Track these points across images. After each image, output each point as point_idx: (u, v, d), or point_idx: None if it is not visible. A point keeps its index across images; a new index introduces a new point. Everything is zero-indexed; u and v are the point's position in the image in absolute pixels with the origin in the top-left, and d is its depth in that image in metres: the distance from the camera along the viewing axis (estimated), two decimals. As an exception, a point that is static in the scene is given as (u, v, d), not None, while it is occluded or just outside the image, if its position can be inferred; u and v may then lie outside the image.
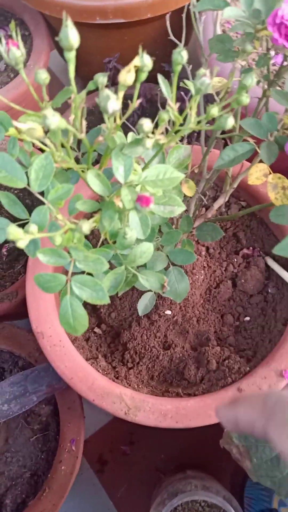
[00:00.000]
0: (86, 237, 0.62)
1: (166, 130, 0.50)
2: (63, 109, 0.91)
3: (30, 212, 0.31)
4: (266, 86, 0.50)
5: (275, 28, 0.37)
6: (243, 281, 0.62)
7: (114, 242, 0.36)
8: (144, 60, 0.25)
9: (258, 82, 0.54)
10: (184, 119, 0.31)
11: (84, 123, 0.26)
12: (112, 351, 0.61)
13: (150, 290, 0.54)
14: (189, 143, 0.60)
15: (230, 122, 0.26)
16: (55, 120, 0.22)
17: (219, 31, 0.85)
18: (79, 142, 0.42)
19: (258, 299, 0.62)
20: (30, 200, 0.76)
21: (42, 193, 0.30)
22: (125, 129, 0.85)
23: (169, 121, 0.53)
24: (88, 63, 0.92)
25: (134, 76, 0.25)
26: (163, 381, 0.58)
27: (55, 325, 0.55)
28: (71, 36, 0.23)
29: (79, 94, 0.26)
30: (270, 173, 0.44)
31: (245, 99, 0.29)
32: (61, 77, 1.17)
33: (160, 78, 0.28)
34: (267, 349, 0.57)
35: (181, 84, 0.59)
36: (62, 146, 0.31)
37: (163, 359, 0.59)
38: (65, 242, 0.27)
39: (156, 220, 0.40)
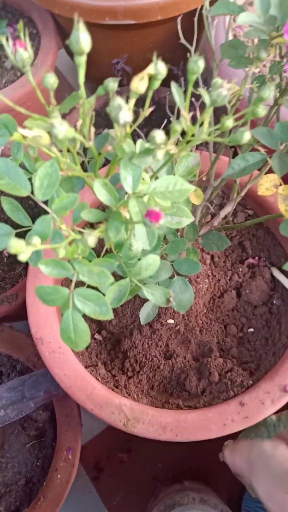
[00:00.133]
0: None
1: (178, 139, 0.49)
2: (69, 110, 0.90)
3: (33, 218, 0.30)
4: (277, 94, 0.49)
5: (291, 36, 0.36)
6: (247, 291, 0.61)
7: (119, 252, 0.35)
8: (158, 68, 0.24)
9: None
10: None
11: (93, 130, 0.25)
12: (112, 358, 0.60)
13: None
14: (196, 148, 0.59)
15: (246, 136, 0.25)
16: (62, 129, 0.21)
17: (230, 36, 0.83)
18: (85, 147, 0.41)
19: (262, 310, 0.61)
20: (34, 203, 0.75)
21: (46, 201, 0.28)
22: (132, 133, 0.84)
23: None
24: (96, 63, 0.91)
25: (146, 84, 0.24)
26: (164, 391, 0.57)
27: (55, 331, 0.54)
28: (83, 40, 0.22)
29: (88, 100, 0.25)
30: (280, 184, 0.43)
31: (262, 110, 0.28)
32: (69, 77, 1.16)
33: (174, 86, 0.26)
34: (271, 363, 0.56)
35: (192, 90, 0.58)
36: (68, 151, 0.30)
37: (164, 369, 0.58)
38: (69, 254, 0.25)
39: (162, 230, 0.39)
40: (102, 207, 0.63)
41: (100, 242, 0.62)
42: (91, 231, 0.26)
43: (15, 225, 0.31)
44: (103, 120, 0.93)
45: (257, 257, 0.63)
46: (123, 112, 0.21)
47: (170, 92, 0.92)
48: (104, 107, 0.95)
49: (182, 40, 0.59)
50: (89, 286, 0.30)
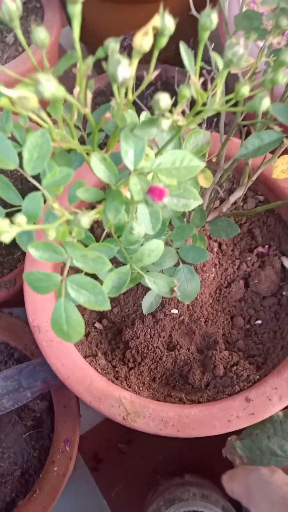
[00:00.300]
0: (90, 226, 0.57)
1: (183, 112, 0.45)
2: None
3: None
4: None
5: (316, -1, 0.32)
6: (256, 281, 0.58)
7: (120, 236, 0.32)
8: (166, 21, 0.20)
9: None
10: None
11: (90, 95, 0.22)
12: (112, 348, 0.57)
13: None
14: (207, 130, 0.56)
15: (265, 103, 0.22)
16: (49, 86, 0.18)
17: (244, 8, 0.79)
18: (85, 120, 0.38)
19: (271, 301, 0.58)
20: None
21: (38, 178, 0.25)
22: (138, 112, 0.80)
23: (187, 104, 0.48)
24: (101, 41, 0.87)
25: (151, 41, 0.21)
26: (166, 384, 0.55)
27: (53, 320, 0.52)
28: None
29: (85, 61, 0.22)
30: (297, 167, 0.40)
31: (282, 77, 0.24)
32: (74, 55, 1.11)
33: (183, 46, 0.23)
34: (279, 357, 0.53)
35: (202, 65, 0.54)
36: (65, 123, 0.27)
37: (166, 361, 0.55)
38: (60, 236, 0.23)
39: (167, 213, 0.36)
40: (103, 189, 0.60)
41: (102, 226, 0.59)
42: (86, 212, 0.23)
43: (3, 206, 0.28)
44: (108, 100, 0.89)
45: (267, 246, 0.60)
46: (122, 67, 0.18)
47: (178, 71, 0.88)
48: (109, 86, 0.91)
49: (193, 12, 0.55)
50: (87, 274, 0.28)
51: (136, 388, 0.53)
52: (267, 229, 0.61)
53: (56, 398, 0.60)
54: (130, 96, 0.24)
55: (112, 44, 0.23)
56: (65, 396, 0.59)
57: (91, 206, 0.29)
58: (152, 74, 0.22)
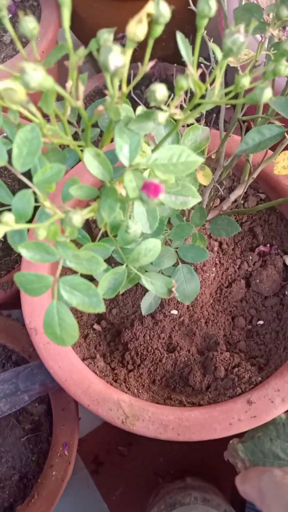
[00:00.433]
0: (88, 224, 0.56)
1: (181, 107, 0.44)
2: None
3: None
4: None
5: None
6: (258, 281, 0.57)
7: (116, 235, 0.31)
8: (161, 8, 0.19)
9: (288, 59, 0.48)
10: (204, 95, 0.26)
11: (82, 88, 0.21)
12: (111, 350, 0.56)
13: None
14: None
15: (267, 93, 0.21)
16: (36, 76, 0.17)
17: (244, 1, 0.78)
18: (80, 116, 0.37)
19: (273, 301, 0.57)
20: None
21: (29, 175, 0.24)
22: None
23: (185, 98, 0.47)
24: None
25: (146, 29, 0.20)
26: (166, 386, 0.54)
27: (50, 322, 0.51)
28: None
29: (77, 52, 0.21)
30: (299, 163, 0.39)
31: (284, 68, 0.23)
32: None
33: (180, 36, 0.22)
34: (282, 358, 0.52)
35: (201, 60, 0.53)
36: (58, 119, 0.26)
37: (166, 363, 0.54)
38: (51, 236, 0.22)
39: (165, 212, 0.35)
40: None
41: (100, 226, 0.58)
42: (79, 210, 0.22)
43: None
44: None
45: (268, 245, 0.59)
46: (113, 54, 0.17)
47: (178, 69, 0.87)
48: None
49: (192, 6, 0.54)
50: (83, 275, 0.27)
51: (136, 390, 0.52)
52: (269, 227, 0.60)
53: (54, 401, 0.58)
54: (125, 89, 0.23)
55: (105, 35, 0.22)
56: (63, 399, 0.58)
57: (88, 205, 0.28)
58: (147, 65, 0.21)
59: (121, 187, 0.25)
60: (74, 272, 0.37)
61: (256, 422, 0.46)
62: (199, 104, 0.25)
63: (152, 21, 0.20)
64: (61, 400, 0.58)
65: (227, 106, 0.77)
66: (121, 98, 0.23)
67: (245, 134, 0.45)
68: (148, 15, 0.19)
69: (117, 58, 0.17)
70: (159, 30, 0.21)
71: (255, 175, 0.52)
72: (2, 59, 0.82)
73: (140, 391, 0.52)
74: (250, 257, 0.58)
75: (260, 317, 0.57)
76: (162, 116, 0.21)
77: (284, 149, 0.44)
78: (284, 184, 0.56)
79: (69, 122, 0.31)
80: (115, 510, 0.74)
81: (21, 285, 0.23)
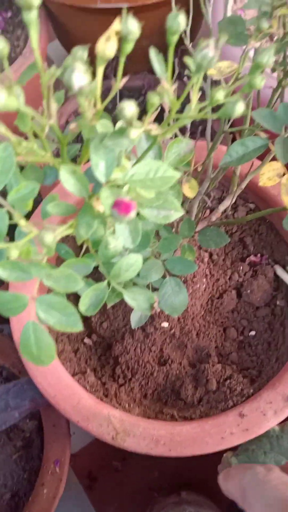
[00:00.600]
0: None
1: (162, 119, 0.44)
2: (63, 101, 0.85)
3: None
4: (281, 75, 0.44)
5: (296, 2, 0.31)
6: (248, 291, 0.57)
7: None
8: (129, 26, 0.19)
9: (273, 70, 0.48)
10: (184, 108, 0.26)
11: (55, 106, 0.21)
12: (102, 364, 0.56)
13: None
14: (193, 138, 0.55)
15: (239, 108, 0.21)
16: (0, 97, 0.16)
17: (229, 14, 0.78)
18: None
19: (265, 312, 0.56)
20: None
21: (5, 193, 0.24)
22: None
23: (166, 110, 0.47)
24: (89, 53, 0.87)
25: (115, 46, 0.19)
26: (157, 400, 0.53)
27: (39, 337, 0.50)
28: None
29: (48, 71, 0.21)
30: (284, 174, 0.39)
31: (260, 81, 0.23)
32: (63, 67, 1.11)
33: (153, 52, 0.22)
34: (274, 369, 0.51)
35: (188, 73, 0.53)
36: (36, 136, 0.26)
37: (157, 376, 0.53)
38: (23, 255, 0.21)
39: (149, 226, 0.34)
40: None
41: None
42: (55, 227, 0.22)
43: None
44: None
45: (259, 255, 0.59)
46: (76, 74, 0.17)
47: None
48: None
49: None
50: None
51: (127, 405, 0.51)
52: (259, 237, 0.60)
53: (45, 417, 0.58)
54: (99, 105, 0.22)
55: (80, 53, 0.22)
56: (54, 415, 0.57)
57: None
58: (120, 82, 0.21)
59: (99, 204, 0.24)
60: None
61: (248, 435, 0.46)
62: (177, 118, 0.25)
63: (121, 39, 0.20)
64: (52, 416, 0.57)
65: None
66: (96, 116, 0.23)
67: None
68: (117, 32, 0.19)
69: (80, 78, 0.17)
70: (129, 47, 0.20)
71: (243, 186, 0.52)
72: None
73: (131, 405, 0.52)
74: (241, 268, 0.58)
75: (252, 328, 0.56)
76: (134, 133, 0.21)
77: (271, 160, 0.44)
78: (273, 194, 0.56)
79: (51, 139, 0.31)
80: (110, 527, 0.73)
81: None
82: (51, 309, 0.23)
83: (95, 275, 0.49)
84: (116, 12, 0.76)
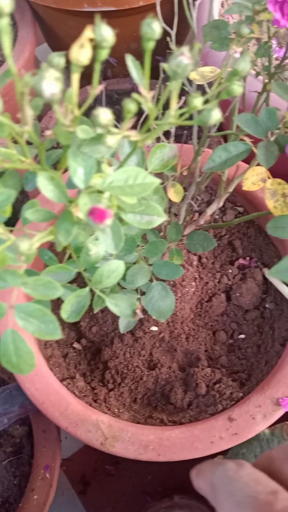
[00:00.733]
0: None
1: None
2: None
3: None
4: (267, 79, 0.44)
5: (276, 7, 0.31)
6: (238, 294, 0.57)
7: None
8: (103, 32, 0.19)
9: (257, 74, 0.48)
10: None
11: (30, 112, 0.21)
12: (92, 369, 0.56)
13: (134, 304, 0.49)
14: (180, 141, 0.55)
15: (215, 115, 0.21)
16: None
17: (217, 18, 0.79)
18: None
19: (254, 315, 0.57)
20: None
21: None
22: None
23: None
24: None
25: (89, 53, 0.19)
26: (147, 404, 0.53)
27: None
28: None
29: (23, 78, 0.21)
30: (269, 178, 0.39)
31: (238, 88, 0.23)
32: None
33: (129, 58, 0.22)
34: (263, 372, 0.51)
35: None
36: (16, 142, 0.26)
37: (147, 380, 0.53)
38: (0, 263, 0.21)
39: (134, 230, 0.34)
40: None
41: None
42: (31, 234, 0.21)
43: None
44: (87, 115, 0.88)
45: (248, 258, 0.59)
46: (46, 82, 0.17)
47: (156, 85, 0.87)
48: (85, 101, 0.91)
49: (162, 24, 0.54)
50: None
51: (116, 410, 0.51)
52: (248, 240, 0.60)
53: (35, 423, 0.57)
54: (77, 112, 0.22)
55: (56, 59, 0.22)
56: (44, 420, 0.57)
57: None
58: (96, 88, 0.21)
59: (78, 210, 0.24)
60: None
61: (237, 439, 0.46)
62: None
63: (96, 46, 0.20)
64: (41, 421, 0.57)
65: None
66: (74, 122, 0.23)
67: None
68: (91, 39, 0.19)
69: (51, 86, 0.17)
70: (104, 54, 0.20)
71: (230, 190, 0.52)
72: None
73: (121, 410, 0.51)
74: (230, 271, 0.58)
75: (242, 331, 0.56)
76: (111, 140, 0.21)
77: (258, 164, 0.44)
78: (261, 197, 0.56)
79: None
80: (103, 532, 0.72)
81: (-24, 313, 0.23)
82: (30, 316, 0.22)
83: (84, 281, 0.49)
84: (103, 15, 0.76)
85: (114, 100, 0.87)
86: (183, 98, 0.30)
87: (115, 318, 0.57)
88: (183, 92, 0.58)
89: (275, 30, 0.40)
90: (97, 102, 0.90)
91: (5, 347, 0.23)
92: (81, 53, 0.19)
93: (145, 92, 0.23)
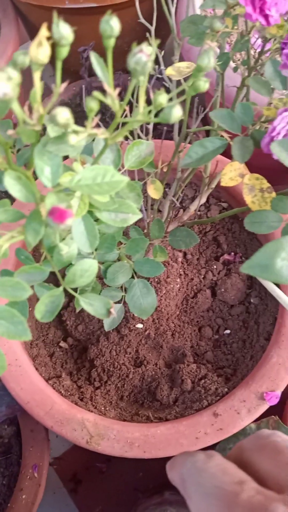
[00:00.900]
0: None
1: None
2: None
3: None
4: (246, 74, 0.44)
5: (247, 1, 0.31)
6: (223, 290, 0.57)
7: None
8: (61, 30, 0.19)
9: (236, 69, 0.48)
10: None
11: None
12: (78, 368, 0.55)
13: (118, 302, 0.49)
14: (159, 138, 0.55)
15: (175, 113, 0.21)
16: None
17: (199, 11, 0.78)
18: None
19: (239, 310, 0.57)
20: None
21: None
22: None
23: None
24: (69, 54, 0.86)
25: (48, 52, 0.19)
26: (134, 402, 0.53)
27: (10, 342, 0.50)
28: None
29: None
30: (246, 173, 0.39)
31: (203, 84, 0.23)
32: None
33: (93, 55, 0.22)
34: (248, 367, 0.52)
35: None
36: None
37: (133, 378, 0.53)
38: None
39: (111, 229, 0.34)
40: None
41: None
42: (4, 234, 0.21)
43: None
44: (73, 112, 0.88)
45: (233, 253, 0.59)
46: (-2, 81, 0.17)
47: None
48: (73, 98, 0.90)
49: (142, 20, 0.54)
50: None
51: (103, 408, 0.51)
52: (232, 236, 0.60)
53: (23, 423, 0.57)
54: (42, 111, 0.22)
55: (21, 58, 0.22)
56: (31, 420, 0.56)
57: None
58: (59, 87, 0.21)
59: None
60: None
61: (222, 434, 0.46)
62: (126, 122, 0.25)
63: (55, 44, 0.20)
64: (29, 421, 0.57)
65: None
66: (39, 120, 0.22)
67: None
68: (49, 37, 0.19)
69: (3, 86, 0.17)
70: (64, 51, 0.20)
71: (213, 186, 0.52)
72: None
73: (107, 408, 0.51)
74: (215, 267, 0.58)
75: (227, 327, 0.56)
76: (73, 139, 0.21)
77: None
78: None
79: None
80: (95, 529, 0.73)
81: None
82: (-2, 318, 0.22)
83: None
84: (85, 12, 0.76)
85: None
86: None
87: (101, 316, 0.57)
88: (168, 89, 0.58)
89: (252, 24, 0.40)
90: (82, 99, 0.90)
91: (-26, 349, 0.22)
92: (39, 51, 0.19)
93: (109, 90, 0.23)
